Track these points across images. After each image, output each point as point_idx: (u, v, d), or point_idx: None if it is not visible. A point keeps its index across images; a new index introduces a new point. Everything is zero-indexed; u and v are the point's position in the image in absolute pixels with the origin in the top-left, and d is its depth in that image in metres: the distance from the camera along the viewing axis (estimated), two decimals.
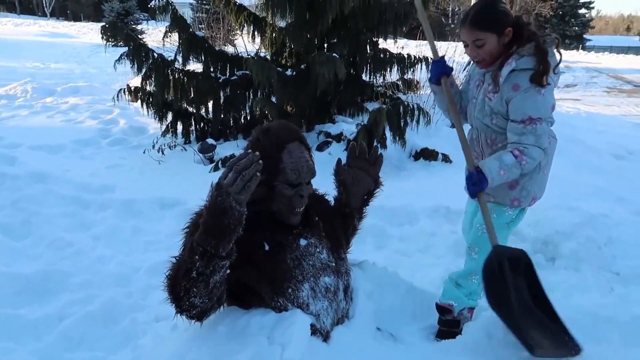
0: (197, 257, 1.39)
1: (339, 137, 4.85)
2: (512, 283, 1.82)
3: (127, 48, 4.79)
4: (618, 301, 2.28)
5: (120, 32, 4.70)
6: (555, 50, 1.96)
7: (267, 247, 1.65)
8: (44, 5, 49.00)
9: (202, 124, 5.57)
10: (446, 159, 4.55)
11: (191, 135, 5.57)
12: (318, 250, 1.74)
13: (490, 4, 1.95)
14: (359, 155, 1.93)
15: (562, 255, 2.66)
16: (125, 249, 3.09)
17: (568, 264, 2.62)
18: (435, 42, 2.16)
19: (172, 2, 4.99)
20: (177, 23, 5.02)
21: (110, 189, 4.04)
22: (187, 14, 20.30)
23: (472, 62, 2.15)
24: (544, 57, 1.89)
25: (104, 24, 4.60)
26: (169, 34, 5.10)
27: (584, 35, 38.12)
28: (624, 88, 14.00)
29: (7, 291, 2.43)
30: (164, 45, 5.43)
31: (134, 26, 20.56)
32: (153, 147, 5.01)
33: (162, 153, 4.98)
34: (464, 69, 2.52)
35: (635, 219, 3.20)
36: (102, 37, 4.61)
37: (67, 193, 3.92)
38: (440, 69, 2.10)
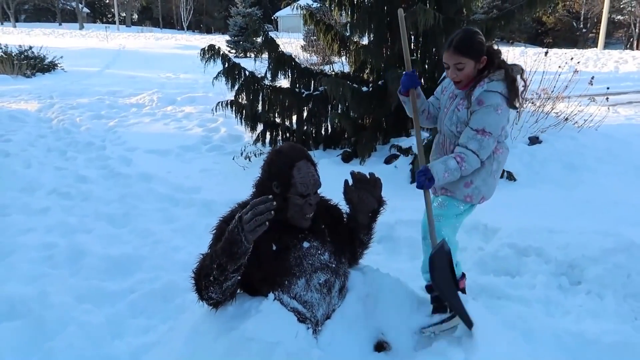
0: (214, 265, 1.81)
1: (407, 151, 5.05)
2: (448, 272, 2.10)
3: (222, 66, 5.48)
4: (629, 329, 2.26)
5: (217, 53, 5.38)
6: (519, 78, 2.27)
7: (274, 248, 2.02)
8: (182, 19, 54.48)
9: (287, 134, 6.09)
10: (510, 176, 4.51)
11: (278, 144, 6.13)
12: (320, 252, 2.07)
13: (472, 34, 2.25)
14: (358, 180, 2.16)
15: (587, 280, 2.64)
16: (197, 241, 3.61)
17: (591, 288, 2.60)
18: (409, 57, 2.36)
19: (268, 24, 5.57)
20: (267, 44, 5.61)
21: (197, 190, 4.68)
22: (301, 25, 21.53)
23: (446, 77, 2.43)
24: (513, 84, 2.22)
25: (206, 46, 5.28)
26: (260, 53, 5.71)
27: None
28: None
29: (98, 267, 3.09)
30: (255, 61, 6.06)
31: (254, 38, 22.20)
32: (241, 154, 5.62)
33: (249, 160, 5.58)
34: (439, 82, 2.86)
35: None
36: (201, 58, 5.32)
37: (164, 192, 4.64)
38: (409, 82, 2.35)
